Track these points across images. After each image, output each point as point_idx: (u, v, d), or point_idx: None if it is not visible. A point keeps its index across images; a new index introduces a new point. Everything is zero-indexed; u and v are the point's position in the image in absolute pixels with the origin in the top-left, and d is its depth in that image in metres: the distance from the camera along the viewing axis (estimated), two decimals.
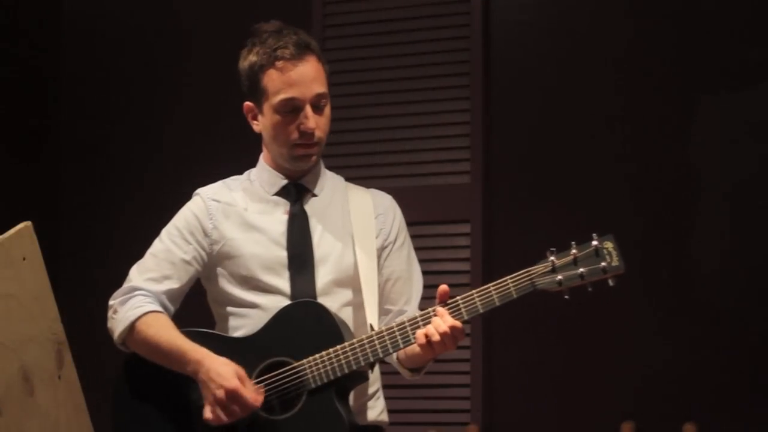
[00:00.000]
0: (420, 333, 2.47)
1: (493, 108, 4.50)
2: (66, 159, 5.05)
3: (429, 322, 2.48)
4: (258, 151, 2.81)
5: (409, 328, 2.51)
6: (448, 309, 2.48)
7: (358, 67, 4.64)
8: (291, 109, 2.64)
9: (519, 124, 4.49)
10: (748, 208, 4.17)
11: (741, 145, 4.20)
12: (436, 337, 2.45)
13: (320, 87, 2.67)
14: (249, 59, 2.70)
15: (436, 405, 4.37)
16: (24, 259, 2.79)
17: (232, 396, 2.49)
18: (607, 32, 4.40)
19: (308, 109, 2.64)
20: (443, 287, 2.50)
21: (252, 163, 2.84)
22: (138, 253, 4.85)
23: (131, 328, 2.63)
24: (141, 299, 2.66)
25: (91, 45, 5.07)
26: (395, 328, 2.52)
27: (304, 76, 2.65)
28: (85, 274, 4.89)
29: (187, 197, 2.85)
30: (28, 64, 4.96)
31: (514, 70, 4.50)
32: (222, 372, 2.51)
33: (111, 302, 2.70)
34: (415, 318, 2.51)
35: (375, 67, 4.59)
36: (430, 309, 2.50)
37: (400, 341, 2.51)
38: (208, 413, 2.52)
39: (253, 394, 2.50)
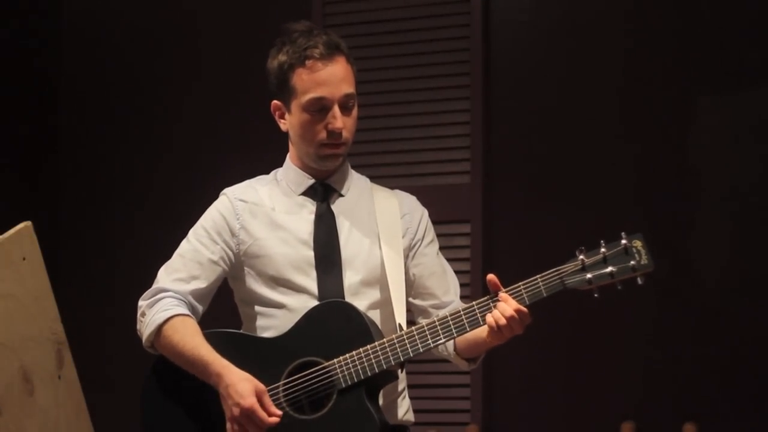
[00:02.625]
0: (489, 317, 2.48)
1: (493, 108, 4.50)
2: (66, 159, 5.05)
3: (487, 310, 2.49)
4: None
5: (464, 316, 2.51)
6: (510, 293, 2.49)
7: (357, 67, 4.61)
8: (319, 109, 2.65)
9: (519, 124, 4.49)
10: (748, 208, 4.17)
11: (741, 146, 4.20)
12: (502, 321, 2.45)
13: (349, 87, 2.69)
14: (278, 58, 2.70)
15: (436, 405, 4.37)
16: (24, 259, 2.80)
17: (247, 414, 2.49)
18: (607, 32, 4.40)
19: (336, 110, 2.66)
20: (491, 276, 2.51)
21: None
22: (138, 254, 4.85)
23: (158, 331, 2.62)
24: (169, 301, 2.65)
25: (91, 44, 5.07)
26: (449, 318, 2.52)
27: (333, 76, 2.67)
28: (85, 274, 4.89)
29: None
30: (29, 62, 4.95)
31: (514, 69, 4.50)
32: (239, 389, 2.51)
33: (140, 303, 2.69)
34: (471, 306, 2.51)
35: (375, 67, 4.59)
36: (488, 296, 2.50)
37: (453, 330, 2.51)
38: (228, 428, 2.54)
39: (268, 411, 2.51)
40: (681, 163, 4.27)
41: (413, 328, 2.54)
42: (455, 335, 2.54)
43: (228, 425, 2.53)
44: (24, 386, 2.75)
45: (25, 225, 2.82)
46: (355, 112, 2.72)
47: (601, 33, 4.41)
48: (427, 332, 2.53)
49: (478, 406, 4.37)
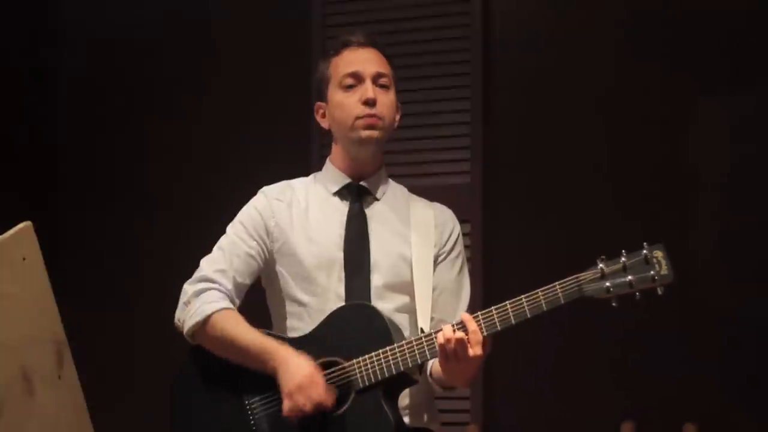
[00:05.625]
0: (438, 337, 2.49)
1: (493, 108, 4.50)
2: (66, 158, 5.05)
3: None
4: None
5: (425, 342, 2.54)
6: (483, 318, 2.50)
7: None
8: (353, 82, 2.73)
9: (519, 125, 4.49)
10: (747, 208, 4.17)
11: (740, 145, 4.20)
12: (449, 345, 2.47)
13: (382, 68, 2.77)
14: (319, 64, 2.82)
15: (436, 405, 4.36)
16: (24, 259, 2.79)
17: (311, 382, 2.51)
18: (607, 32, 4.40)
19: (369, 83, 2.73)
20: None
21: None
22: (139, 254, 4.85)
23: (205, 322, 2.65)
24: (215, 294, 2.69)
25: (97, 40, 5.07)
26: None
27: (366, 58, 2.76)
28: (85, 274, 4.89)
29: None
30: (31, 58, 4.95)
31: (514, 69, 4.50)
32: (293, 370, 2.54)
33: (185, 287, 2.73)
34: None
35: None
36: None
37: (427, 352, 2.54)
38: (285, 406, 2.54)
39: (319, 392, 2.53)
40: (680, 163, 4.27)
41: (432, 330, 2.55)
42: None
43: (286, 404, 2.54)
44: (24, 386, 2.74)
45: (25, 225, 2.82)
46: (392, 95, 2.79)
47: (600, 33, 4.41)
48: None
49: (478, 406, 4.37)
